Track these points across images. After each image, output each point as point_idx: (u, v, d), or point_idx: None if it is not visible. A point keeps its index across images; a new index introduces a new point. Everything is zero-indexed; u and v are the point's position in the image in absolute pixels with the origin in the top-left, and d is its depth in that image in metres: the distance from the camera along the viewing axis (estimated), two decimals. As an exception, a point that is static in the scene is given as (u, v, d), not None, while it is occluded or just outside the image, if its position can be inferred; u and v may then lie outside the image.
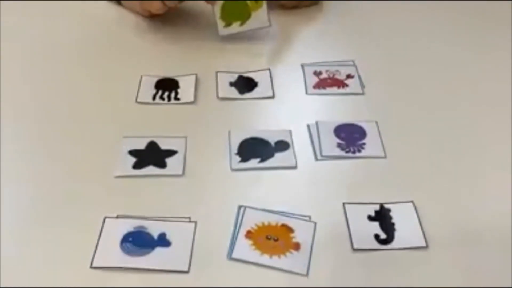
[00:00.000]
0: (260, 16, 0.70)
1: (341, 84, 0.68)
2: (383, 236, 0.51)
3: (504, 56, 0.73)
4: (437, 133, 0.62)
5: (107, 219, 0.51)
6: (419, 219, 0.52)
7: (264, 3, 0.70)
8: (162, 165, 0.57)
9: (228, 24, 0.70)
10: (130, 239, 0.50)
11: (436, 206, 0.54)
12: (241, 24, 0.70)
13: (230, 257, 0.49)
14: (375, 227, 0.52)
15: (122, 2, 0.80)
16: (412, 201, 0.54)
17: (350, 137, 0.61)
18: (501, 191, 0.55)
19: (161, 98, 0.66)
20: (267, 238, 0.50)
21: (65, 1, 0.82)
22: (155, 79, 0.68)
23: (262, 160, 0.58)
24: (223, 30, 0.71)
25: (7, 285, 0.46)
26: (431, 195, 0.55)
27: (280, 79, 0.69)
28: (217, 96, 0.66)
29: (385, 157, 0.59)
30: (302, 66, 0.71)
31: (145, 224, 0.51)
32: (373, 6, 0.83)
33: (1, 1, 0.80)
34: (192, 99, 0.65)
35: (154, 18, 0.78)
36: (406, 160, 0.58)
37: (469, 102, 0.66)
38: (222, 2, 0.70)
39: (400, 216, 0.52)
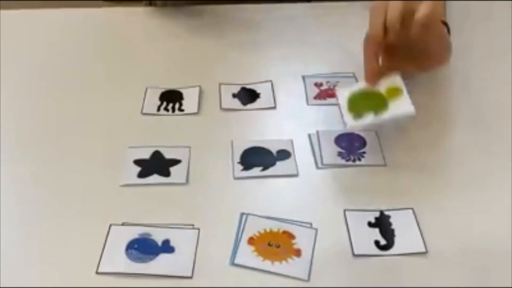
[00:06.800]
0: (401, 104, 0.56)
1: (341, 95, 0.69)
2: (383, 242, 0.52)
3: (506, 60, 0.74)
4: (435, 141, 0.63)
5: (112, 226, 0.52)
6: (418, 226, 0.53)
7: (405, 92, 0.56)
8: (166, 174, 0.58)
9: (358, 115, 0.56)
10: (135, 245, 0.51)
11: (435, 213, 0.54)
12: (376, 114, 0.55)
13: (232, 263, 0.50)
14: (375, 233, 0.52)
15: None
16: (412, 208, 0.55)
17: (351, 146, 0.62)
18: (501, 198, 0.56)
19: (166, 109, 0.67)
20: (269, 244, 0.51)
21: (70, 13, 0.84)
22: (159, 91, 0.70)
23: (264, 169, 0.59)
24: (352, 122, 0.56)
25: (14, 290, 0.47)
26: (430, 202, 0.55)
27: (281, 90, 0.70)
28: (220, 107, 0.67)
29: (385, 165, 0.60)
30: (303, 77, 0.72)
31: (149, 231, 0.52)
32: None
33: (3, 11, 0.82)
34: (195, 110, 0.67)
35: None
36: (406, 168, 0.59)
37: (468, 110, 0.67)
38: (349, 94, 0.58)
39: (400, 222, 0.53)
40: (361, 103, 0.56)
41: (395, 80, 0.57)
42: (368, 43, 0.58)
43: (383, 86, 0.57)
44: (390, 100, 0.55)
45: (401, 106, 0.55)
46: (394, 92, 0.56)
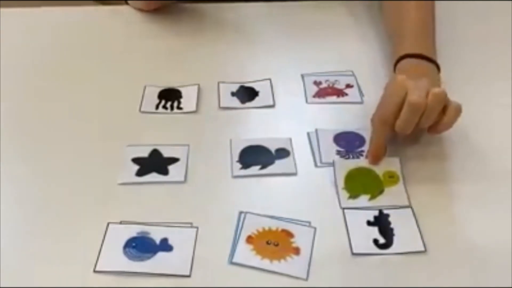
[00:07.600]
0: (396, 193, 0.56)
1: (340, 93, 0.69)
2: (382, 241, 0.52)
3: (506, 58, 0.74)
4: (434, 139, 0.63)
5: (110, 225, 0.52)
6: (417, 224, 0.53)
7: (401, 180, 0.57)
8: (165, 172, 0.58)
9: (354, 196, 0.56)
10: (133, 244, 0.51)
11: (434, 212, 0.54)
12: (371, 199, 0.56)
13: (231, 261, 0.49)
14: (374, 232, 0.52)
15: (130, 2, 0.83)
16: (410, 207, 0.54)
17: (350, 144, 0.61)
18: (500, 196, 0.56)
19: (164, 107, 0.67)
20: (268, 243, 0.51)
21: (68, 11, 0.84)
22: (158, 89, 0.69)
23: (263, 167, 0.59)
24: (346, 202, 0.55)
25: (11, 289, 0.47)
26: (429, 200, 0.55)
27: (280, 88, 0.70)
28: (219, 106, 0.67)
29: (384, 164, 0.60)
30: (302, 76, 0.72)
31: (148, 229, 0.52)
32: (371, 18, 0.84)
33: (2, 9, 0.82)
34: (194, 108, 0.67)
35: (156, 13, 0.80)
36: (404, 166, 0.59)
37: (468, 107, 0.67)
38: (347, 171, 0.58)
39: (399, 221, 0.53)
40: (358, 182, 0.57)
41: (395, 164, 0.58)
42: (382, 123, 0.57)
43: (381, 167, 0.58)
44: (386, 186, 0.57)
45: (395, 197, 0.56)
46: (391, 177, 0.58)
